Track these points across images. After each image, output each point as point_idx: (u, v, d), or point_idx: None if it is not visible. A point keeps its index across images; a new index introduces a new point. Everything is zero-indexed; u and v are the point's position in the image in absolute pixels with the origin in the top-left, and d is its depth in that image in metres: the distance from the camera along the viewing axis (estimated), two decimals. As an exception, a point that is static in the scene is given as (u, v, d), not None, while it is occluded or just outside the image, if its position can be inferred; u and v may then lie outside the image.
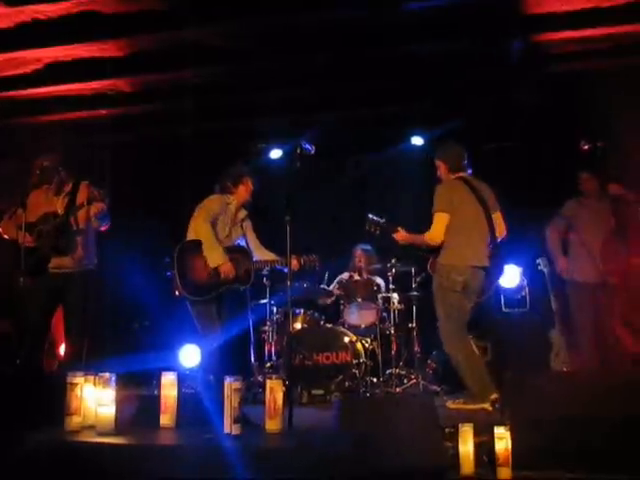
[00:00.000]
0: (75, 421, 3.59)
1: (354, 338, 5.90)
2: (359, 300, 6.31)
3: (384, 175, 7.65)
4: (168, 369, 3.83)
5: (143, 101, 7.07)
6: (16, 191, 5.30)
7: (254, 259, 5.57)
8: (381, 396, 5.58)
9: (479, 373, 4.80)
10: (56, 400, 3.63)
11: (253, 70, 6.53)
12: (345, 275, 6.90)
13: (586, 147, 5.37)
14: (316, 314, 6.43)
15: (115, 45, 5.87)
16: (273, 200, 5.77)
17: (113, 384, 3.56)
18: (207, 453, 3.11)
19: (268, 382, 3.56)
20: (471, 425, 3.42)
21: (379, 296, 6.32)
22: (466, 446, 3.37)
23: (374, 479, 3.15)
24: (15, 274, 4.89)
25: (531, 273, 6.45)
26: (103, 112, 7.19)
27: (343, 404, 3.77)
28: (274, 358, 6.23)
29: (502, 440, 3.33)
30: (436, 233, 4.93)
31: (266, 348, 6.33)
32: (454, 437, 3.47)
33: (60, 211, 5.22)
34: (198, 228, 5.32)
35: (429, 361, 6.36)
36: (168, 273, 5.57)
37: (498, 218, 5.14)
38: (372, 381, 5.88)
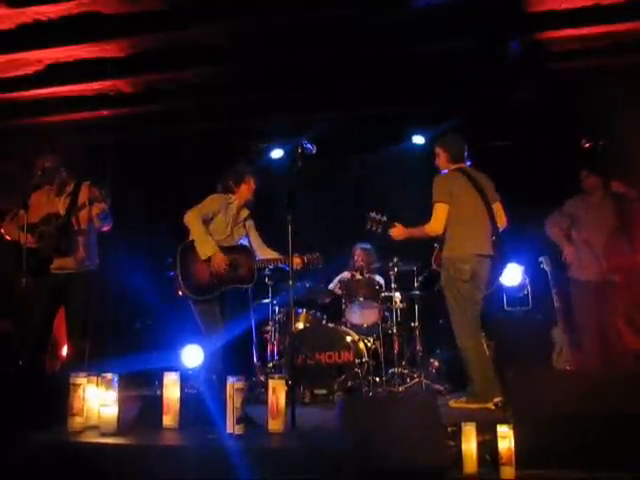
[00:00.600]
0: (78, 422, 3.59)
1: (356, 337, 5.90)
2: (361, 299, 6.30)
3: (385, 174, 7.64)
4: (170, 369, 3.83)
5: (144, 101, 7.07)
6: (18, 192, 5.31)
7: (257, 258, 5.57)
8: (384, 395, 5.57)
9: (487, 372, 4.78)
10: (59, 401, 3.64)
11: (254, 70, 6.53)
12: (347, 274, 6.89)
13: (587, 145, 5.36)
14: (318, 313, 6.42)
15: (116, 46, 5.88)
16: (275, 200, 5.78)
17: (116, 384, 3.56)
18: (210, 453, 3.11)
19: (271, 382, 3.56)
20: (474, 424, 3.42)
21: (381, 295, 6.31)
22: (469, 445, 3.37)
23: (377, 478, 3.15)
24: (17, 275, 4.90)
25: (533, 272, 6.44)
26: (104, 112, 7.20)
27: (346, 403, 3.76)
28: (276, 358, 6.23)
29: (505, 439, 3.33)
30: (436, 224, 4.92)
31: (268, 348, 6.34)
32: (457, 436, 3.46)
33: (62, 212, 5.23)
34: (188, 220, 5.34)
35: (432, 360, 6.36)
36: (171, 273, 5.58)
37: (498, 209, 5.14)
38: (375, 380, 5.88)
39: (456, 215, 4.92)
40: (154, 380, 5.30)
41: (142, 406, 3.83)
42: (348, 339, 5.84)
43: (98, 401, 3.60)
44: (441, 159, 5.16)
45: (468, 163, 5.15)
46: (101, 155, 7.28)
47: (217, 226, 5.45)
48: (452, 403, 4.87)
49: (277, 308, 6.42)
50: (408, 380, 6.01)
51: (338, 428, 3.66)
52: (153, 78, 6.61)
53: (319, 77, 6.65)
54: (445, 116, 6.60)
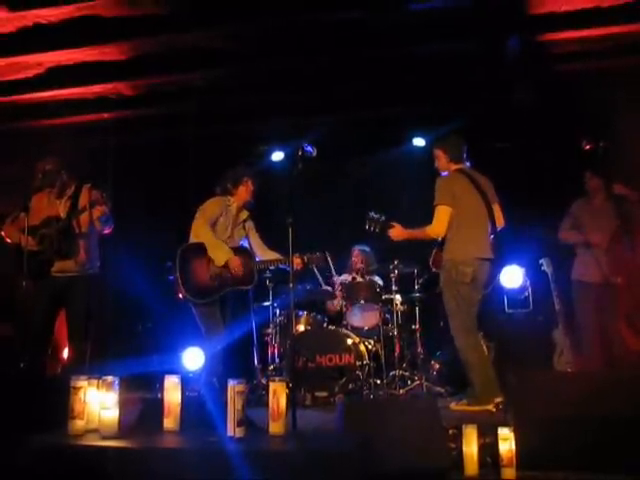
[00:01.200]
0: (78, 425, 3.58)
1: (357, 340, 5.89)
2: (362, 302, 6.29)
3: (385, 177, 7.64)
4: (171, 372, 3.82)
5: (145, 104, 7.09)
6: (19, 195, 5.31)
7: (257, 259, 5.57)
8: (384, 398, 5.57)
9: (487, 373, 4.78)
10: (59, 403, 3.63)
11: (254, 73, 6.55)
12: (347, 277, 6.89)
13: (588, 147, 5.36)
14: (319, 316, 6.43)
15: (117, 49, 5.90)
16: (275, 202, 5.79)
17: (116, 387, 3.55)
18: (210, 456, 3.11)
19: (271, 384, 3.55)
20: (475, 426, 3.42)
21: (382, 297, 6.31)
22: (470, 447, 3.37)
23: (378, 481, 3.15)
24: (18, 278, 4.90)
25: (534, 273, 6.44)
26: (105, 115, 7.22)
27: (347, 406, 3.76)
28: (277, 360, 6.24)
29: (506, 441, 3.33)
30: (438, 226, 4.91)
31: (269, 350, 6.34)
32: (458, 438, 3.46)
33: (62, 214, 5.23)
34: (198, 231, 5.34)
35: (432, 362, 6.36)
36: (170, 277, 5.58)
37: (497, 210, 5.13)
38: (375, 383, 5.88)
39: (458, 217, 4.91)
40: (155, 383, 5.29)
41: (143, 409, 3.82)
42: (349, 341, 5.84)
43: (99, 404, 3.59)
44: (441, 161, 5.15)
45: (468, 164, 5.15)
46: (102, 158, 7.29)
47: (218, 229, 5.45)
48: (453, 406, 4.87)
49: (278, 310, 6.42)
50: (409, 382, 6.01)
51: (339, 431, 3.66)
52: (154, 81, 6.62)
53: (319, 80, 6.67)
54: (445, 118, 6.61)
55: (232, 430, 3.38)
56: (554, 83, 6.38)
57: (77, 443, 3.42)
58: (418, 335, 6.32)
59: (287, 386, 3.68)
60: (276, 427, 3.47)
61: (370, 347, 6.03)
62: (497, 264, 5.10)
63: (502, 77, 6.33)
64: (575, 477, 3.26)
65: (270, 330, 6.35)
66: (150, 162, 7.66)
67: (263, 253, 5.67)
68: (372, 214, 5.22)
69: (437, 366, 6.31)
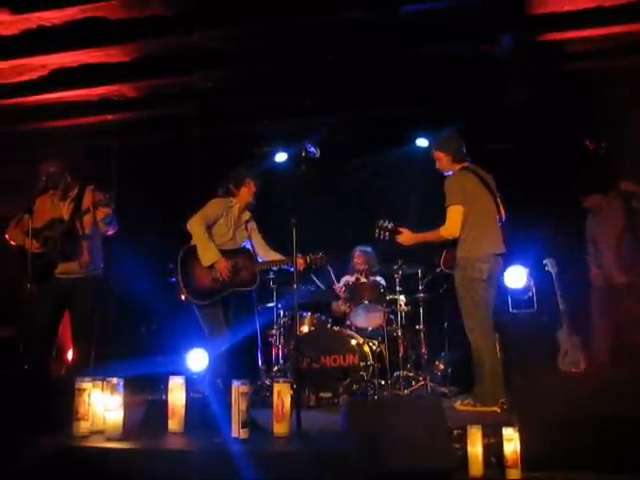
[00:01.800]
0: (83, 426, 3.59)
1: (361, 340, 5.89)
2: (366, 302, 6.29)
3: (388, 177, 7.64)
4: (175, 373, 3.83)
5: (149, 106, 7.09)
6: (22, 197, 5.32)
7: (260, 260, 5.57)
8: (389, 398, 5.57)
9: (497, 374, 4.78)
10: (64, 405, 3.64)
11: (257, 74, 6.54)
12: (351, 278, 6.88)
13: (590, 146, 5.36)
14: (323, 317, 6.42)
15: (120, 51, 5.90)
16: (278, 203, 5.79)
17: (121, 389, 3.56)
18: (215, 457, 3.11)
19: (276, 385, 3.56)
20: (479, 427, 3.42)
21: (386, 298, 6.30)
22: (475, 448, 3.37)
23: (382, 482, 3.15)
24: (22, 280, 4.91)
25: (538, 274, 6.43)
26: (109, 117, 7.22)
27: (351, 407, 3.76)
28: (281, 361, 6.24)
29: (511, 441, 3.33)
30: (453, 227, 4.90)
31: (273, 351, 6.34)
32: (462, 439, 3.46)
33: (66, 217, 5.24)
34: (192, 228, 5.36)
35: (437, 363, 6.35)
36: (172, 279, 5.58)
37: (499, 203, 5.15)
38: (380, 383, 5.87)
39: (470, 215, 4.92)
40: (159, 384, 5.30)
41: (147, 410, 3.83)
42: (353, 342, 5.84)
43: (103, 405, 3.60)
44: (444, 162, 5.15)
45: (470, 160, 5.15)
46: (106, 160, 7.30)
47: (219, 230, 5.46)
48: (458, 405, 4.86)
49: (282, 312, 6.42)
50: (413, 383, 6.00)
51: (343, 431, 3.66)
52: (157, 83, 6.62)
53: (321, 81, 6.66)
54: (446, 119, 6.60)
55: (236, 431, 3.38)
56: (556, 83, 6.37)
57: (82, 444, 3.43)
58: (422, 335, 6.32)
59: (291, 387, 3.69)
60: (280, 428, 3.47)
61: (374, 348, 6.03)
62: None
63: (503, 78, 6.32)
64: (580, 477, 3.25)
65: (274, 331, 6.35)
66: (153, 163, 7.67)
67: (266, 254, 5.68)
68: (381, 221, 5.23)
69: (441, 366, 6.30)
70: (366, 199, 7.66)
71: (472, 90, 6.62)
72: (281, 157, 7.59)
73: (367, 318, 6.30)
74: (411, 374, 6.11)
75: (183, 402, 3.66)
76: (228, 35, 5.80)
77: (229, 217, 5.51)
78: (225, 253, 5.38)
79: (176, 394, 3.67)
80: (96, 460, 3.26)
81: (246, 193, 5.60)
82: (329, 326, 6.30)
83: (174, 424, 3.63)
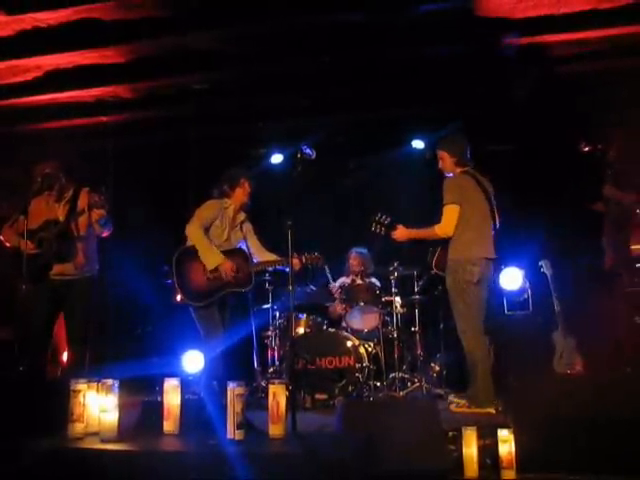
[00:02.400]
0: (78, 428, 3.58)
1: (357, 342, 5.89)
2: (361, 304, 6.29)
3: (385, 178, 7.65)
4: (171, 375, 3.82)
5: (144, 107, 7.08)
6: (17, 198, 5.31)
7: (255, 261, 5.56)
8: (384, 400, 5.57)
9: (489, 376, 4.81)
10: (59, 407, 3.63)
11: (253, 75, 6.54)
12: (347, 279, 6.89)
13: (586, 149, 5.37)
14: (319, 318, 6.42)
15: (115, 52, 5.89)
16: (274, 204, 5.78)
17: (116, 390, 3.55)
18: (210, 459, 3.10)
19: (271, 387, 3.55)
20: (475, 428, 3.42)
21: (381, 300, 6.30)
22: (470, 449, 3.38)
23: (378, 483, 3.15)
24: (17, 281, 4.90)
25: (533, 275, 6.44)
26: (104, 118, 7.21)
27: (346, 408, 3.76)
28: (277, 363, 6.24)
29: (506, 443, 3.33)
30: (447, 225, 4.93)
31: (269, 353, 6.34)
32: (458, 440, 3.47)
33: (61, 218, 5.23)
34: (191, 234, 5.35)
35: (432, 364, 6.36)
36: (168, 281, 5.57)
37: (495, 209, 5.17)
38: (375, 385, 5.87)
39: (465, 217, 4.94)
40: (154, 386, 5.28)
41: (142, 412, 3.82)
42: (349, 344, 5.84)
43: (98, 407, 3.59)
44: (446, 163, 5.16)
45: (472, 165, 5.16)
46: (101, 161, 7.28)
47: (214, 232, 5.45)
48: (453, 407, 4.87)
49: (277, 313, 6.43)
50: (409, 385, 6.01)
51: (339, 433, 3.66)
52: (153, 84, 6.61)
53: (318, 82, 6.66)
54: (444, 120, 6.61)
55: (232, 433, 3.37)
56: (552, 85, 6.38)
57: (77, 446, 3.42)
58: (418, 337, 6.33)
59: (287, 388, 3.68)
60: (276, 429, 3.47)
61: (370, 349, 6.03)
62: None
63: (501, 79, 6.34)
64: (574, 479, 3.26)
65: (270, 333, 6.35)
66: (149, 165, 7.66)
67: (261, 255, 5.67)
68: (378, 216, 5.26)
69: (437, 368, 6.31)
70: (363, 200, 7.66)
71: (470, 92, 6.63)
72: (277, 158, 7.59)
73: (363, 320, 6.31)
74: (406, 376, 6.12)
75: (178, 403, 3.65)
76: (224, 36, 5.79)
77: (224, 218, 5.50)
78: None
79: (171, 395, 3.66)
80: (91, 462, 3.25)
81: (241, 194, 5.59)
82: (325, 328, 6.30)
83: (169, 425, 3.62)
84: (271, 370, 6.18)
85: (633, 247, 5.79)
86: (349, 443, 3.28)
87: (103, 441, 3.44)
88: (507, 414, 3.97)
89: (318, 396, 5.61)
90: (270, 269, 5.84)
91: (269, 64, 6.23)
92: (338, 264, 7.00)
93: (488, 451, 3.44)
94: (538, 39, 5.74)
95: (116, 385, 3.56)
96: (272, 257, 5.64)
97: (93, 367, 5.23)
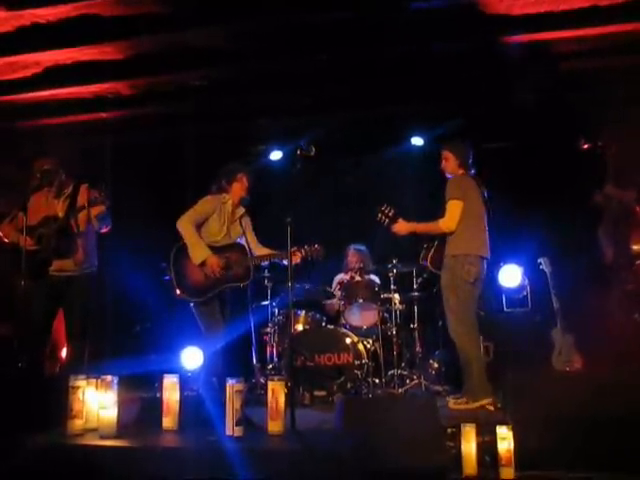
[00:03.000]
0: (77, 424, 3.59)
1: (356, 339, 5.90)
2: (360, 301, 6.29)
3: (384, 176, 7.64)
4: (170, 371, 3.83)
5: (143, 104, 7.07)
6: (17, 194, 5.31)
7: (253, 255, 5.54)
8: (383, 397, 5.57)
9: (484, 371, 4.87)
10: (58, 403, 3.64)
11: (253, 72, 6.53)
12: (345, 276, 6.89)
13: (586, 146, 5.37)
14: (318, 315, 6.42)
15: (115, 48, 5.88)
16: (273, 201, 5.78)
17: (115, 387, 3.56)
18: (209, 455, 3.11)
19: (270, 384, 3.56)
20: (473, 425, 3.43)
21: (380, 297, 6.30)
22: (469, 446, 3.38)
23: (377, 480, 3.15)
24: (16, 277, 4.89)
25: (532, 273, 6.44)
26: (103, 115, 7.20)
27: (345, 405, 3.76)
28: (276, 360, 6.24)
29: (505, 440, 3.34)
30: (451, 220, 4.98)
31: (268, 349, 6.34)
32: (456, 437, 3.47)
33: (60, 214, 5.23)
34: (181, 228, 5.34)
35: (431, 361, 6.36)
36: (166, 277, 5.57)
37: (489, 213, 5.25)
38: (374, 382, 5.88)
39: (467, 215, 5.00)
40: (154, 382, 5.28)
41: (142, 408, 3.83)
42: (347, 341, 5.84)
43: (97, 403, 3.60)
44: (450, 163, 5.22)
45: (472, 172, 5.22)
46: (100, 157, 7.28)
47: (212, 227, 5.43)
48: (451, 404, 4.88)
49: (276, 310, 6.42)
50: (407, 381, 6.01)
51: (338, 430, 3.66)
52: (152, 80, 6.60)
53: (317, 79, 6.65)
54: (444, 118, 6.62)
55: (231, 429, 3.38)
56: (552, 82, 6.38)
57: (76, 442, 3.43)
58: (417, 334, 6.34)
59: (286, 385, 3.69)
60: (275, 426, 3.48)
61: (369, 346, 6.03)
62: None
63: (501, 76, 6.33)
64: (573, 476, 3.26)
65: (269, 329, 6.35)
66: (148, 161, 7.65)
67: (257, 250, 5.65)
68: (384, 206, 5.31)
69: (436, 365, 6.31)
70: (361, 197, 7.65)
71: (469, 89, 6.62)
72: (276, 155, 7.58)
73: (361, 317, 6.31)
74: (405, 373, 6.12)
75: (177, 400, 3.66)
76: (223, 33, 5.78)
77: (222, 213, 5.48)
78: (218, 249, 5.36)
79: (170, 392, 3.67)
80: (90, 458, 3.26)
81: (239, 188, 5.56)
82: (323, 324, 6.30)
83: (168, 422, 3.63)
84: (270, 367, 6.18)
85: (633, 246, 5.79)
86: (348, 440, 3.28)
87: (102, 437, 3.45)
88: (506, 411, 3.98)
89: (317, 393, 5.61)
90: (266, 263, 5.81)
91: (268, 61, 6.21)
92: (337, 261, 7.00)
93: (487, 448, 3.44)
94: (537, 36, 5.73)
95: (115, 381, 3.57)
96: (269, 251, 5.61)
97: (92, 363, 5.23)
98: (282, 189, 5.55)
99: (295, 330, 6.10)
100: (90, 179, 5.35)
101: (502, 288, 6.46)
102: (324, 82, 6.73)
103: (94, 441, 3.42)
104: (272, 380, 3.60)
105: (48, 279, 5.17)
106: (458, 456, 3.39)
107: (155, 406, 3.72)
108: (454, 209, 4.98)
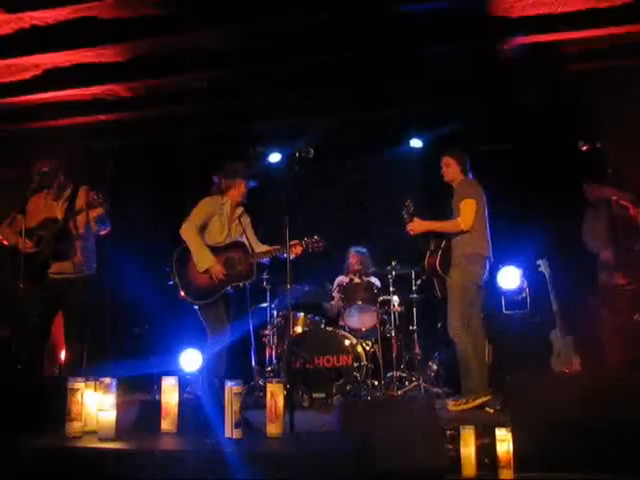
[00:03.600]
0: (76, 426, 3.58)
1: (355, 341, 5.89)
2: (359, 303, 6.29)
3: (383, 177, 7.64)
4: (169, 374, 3.82)
5: (142, 106, 7.07)
6: (16, 197, 5.30)
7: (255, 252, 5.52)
8: (382, 399, 5.57)
9: (484, 370, 4.97)
10: (57, 405, 3.63)
11: (252, 74, 6.54)
12: (345, 278, 6.89)
13: (584, 148, 5.37)
14: (317, 317, 6.42)
15: (114, 50, 5.89)
16: (272, 203, 5.77)
17: (114, 389, 3.55)
18: (208, 458, 3.10)
19: (269, 386, 3.55)
20: (473, 427, 3.43)
21: (379, 299, 6.31)
22: (468, 448, 3.38)
23: (376, 482, 3.15)
24: (15, 280, 4.89)
25: (531, 274, 6.45)
26: (102, 117, 7.20)
27: (344, 407, 3.77)
28: (275, 362, 6.23)
29: (504, 442, 3.34)
30: (469, 218, 5.07)
31: (267, 352, 6.34)
32: (456, 439, 3.47)
33: (59, 216, 5.22)
34: (185, 234, 5.32)
35: (430, 363, 6.36)
36: (170, 282, 5.54)
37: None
38: (373, 384, 5.88)
39: (478, 216, 5.12)
40: (152, 385, 5.30)
41: (140, 411, 3.82)
42: (347, 343, 5.84)
43: (96, 406, 3.59)
44: (452, 169, 5.31)
45: (471, 175, 5.33)
46: (99, 160, 7.28)
47: (215, 228, 5.42)
48: (451, 406, 4.89)
49: (275, 312, 6.41)
50: (407, 384, 6.01)
51: (337, 432, 3.66)
52: (151, 82, 6.60)
53: (317, 81, 6.66)
54: (443, 120, 6.62)
55: (229, 432, 3.37)
56: (551, 84, 6.38)
57: (74, 445, 3.42)
58: (416, 336, 6.33)
59: (285, 387, 3.68)
60: (274, 428, 3.47)
61: (368, 348, 6.03)
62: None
63: (500, 79, 6.34)
64: (572, 478, 3.26)
65: (268, 332, 6.34)
66: (147, 163, 7.65)
67: (257, 248, 5.63)
68: (408, 201, 5.46)
69: (435, 367, 6.31)
70: (362, 200, 7.66)
71: (469, 91, 6.63)
72: (275, 158, 7.58)
73: (361, 319, 6.31)
74: (404, 375, 6.12)
75: (176, 402, 3.65)
76: (222, 35, 5.79)
77: (223, 214, 5.47)
78: (220, 249, 5.35)
79: (169, 394, 3.66)
80: (89, 460, 3.25)
81: (236, 195, 5.55)
82: (323, 326, 6.30)
83: (167, 424, 3.62)
84: (269, 369, 6.18)
85: (634, 247, 5.78)
86: (347, 442, 3.28)
87: (101, 440, 3.44)
88: (505, 413, 3.98)
89: (316, 395, 5.61)
90: (267, 260, 5.78)
91: (267, 63, 6.22)
92: (337, 263, 7.01)
93: (486, 450, 3.44)
94: (536, 38, 5.74)
95: (114, 384, 3.56)
96: (269, 248, 5.58)
97: (91, 366, 5.23)
98: (281, 191, 5.55)
99: (294, 332, 6.10)
100: (89, 181, 5.34)
101: (501, 290, 6.46)
102: (323, 84, 6.74)
103: (93, 444, 3.41)
104: (271, 382, 3.59)
105: (47, 281, 5.16)
106: (457, 458, 3.39)
107: (154, 408, 3.71)
108: (470, 208, 5.07)
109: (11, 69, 6.16)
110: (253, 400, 5.43)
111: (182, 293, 5.29)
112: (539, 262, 6.28)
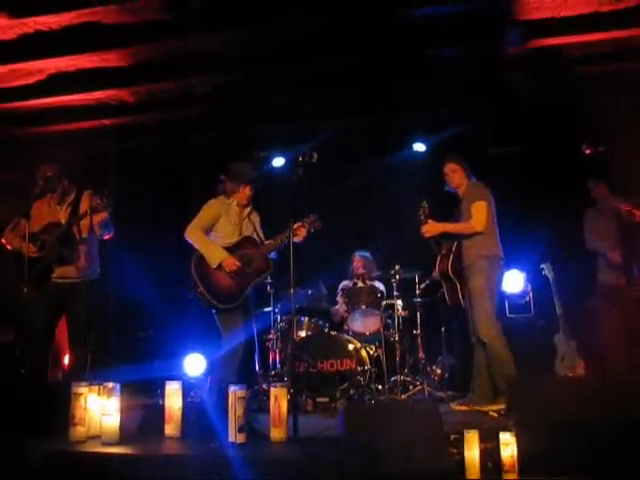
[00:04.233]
0: (79, 431, 3.58)
1: (359, 345, 5.89)
2: (363, 307, 6.29)
3: (387, 182, 7.64)
4: (172, 378, 3.82)
5: (146, 110, 7.09)
6: (19, 201, 5.31)
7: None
8: (386, 403, 5.56)
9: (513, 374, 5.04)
10: (60, 410, 3.63)
11: (256, 78, 6.55)
12: (349, 282, 6.89)
13: (588, 151, 5.37)
14: (320, 321, 6.42)
15: (117, 55, 5.90)
16: (277, 207, 5.77)
17: (118, 393, 3.55)
18: (212, 462, 3.10)
19: (273, 390, 3.55)
20: (476, 431, 3.42)
21: (383, 303, 6.31)
22: (472, 452, 3.37)
23: (380, 486, 3.15)
24: (19, 284, 4.89)
25: (535, 278, 6.44)
26: (106, 122, 7.22)
27: (348, 411, 3.76)
28: (278, 366, 6.23)
29: (508, 446, 3.32)
30: (483, 220, 5.15)
31: (271, 356, 6.33)
32: (459, 443, 3.46)
33: (63, 221, 5.23)
34: (190, 236, 5.31)
35: (434, 367, 6.36)
36: (191, 292, 5.44)
37: None
38: (377, 388, 5.87)
39: (490, 217, 5.21)
40: (156, 389, 5.28)
41: (144, 415, 3.82)
42: (350, 347, 5.83)
43: (100, 410, 3.59)
44: (457, 174, 5.38)
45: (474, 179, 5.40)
46: (103, 164, 7.29)
47: (225, 229, 5.39)
48: (455, 406, 4.92)
49: (279, 316, 6.41)
50: (410, 388, 6.01)
51: (341, 436, 3.65)
52: (155, 87, 6.62)
53: (321, 85, 6.67)
54: (447, 124, 6.62)
55: (233, 436, 3.37)
56: (554, 88, 6.39)
57: (78, 450, 3.41)
58: (419, 340, 6.32)
59: (288, 392, 3.68)
60: (277, 433, 3.46)
61: (371, 352, 6.02)
62: None
63: (504, 82, 6.34)
64: (577, 482, 3.25)
65: (271, 336, 6.34)
66: (151, 168, 7.67)
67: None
68: (424, 202, 5.50)
69: (439, 371, 6.31)
70: (366, 204, 7.66)
71: (472, 95, 6.63)
72: (279, 162, 7.59)
73: (364, 323, 6.30)
74: (408, 379, 6.12)
75: (180, 407, 3.65)
76: (225, 40, 5.80)
77: (231, 214, 5.44)
78: (232, 249, 5.31)
79: (173, 399, 3.66)
80: (93, 465, 3.25)
81: (241, 197, 5.53)
82: (326, 331, 6.30)
83: (171, 429, 3.62)
84: (273, 373, 6.17)
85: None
86: (351, 446, 3.27)
87: (105, 444, 3.44)
88: (509, 417, 3.97)
89: (320, 399, 5.60)
90: (273, 255, 5.71)
91: (270, 68, 6.23)
92: (341, 267, 7.01)
93: (490, 454, 3.43)
94: (540, 42, 5.74)
95: (118, 388, 3.56)
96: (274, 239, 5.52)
97: (95, 370, 5.23)
98: (286, 195, 5.55)
99: (298, 336, 6.09)
100: (93, 186, 5.35)
101: (505, 294, 6.45)
102: (327, 89, 6.75)
103: (96, 448, 3.41)
104: (275, 387, 3.59)
105: (50, 286, 5.17)
106: (461, 462, 3.38)
107: (157, 413, 3.71)
108: (482, 210, 5.14)
109: (15, 74, 6.17)
110: (257, 404, 5.43)
111: (210, 300, 5.20)
112: (543, 266, 6.28)
